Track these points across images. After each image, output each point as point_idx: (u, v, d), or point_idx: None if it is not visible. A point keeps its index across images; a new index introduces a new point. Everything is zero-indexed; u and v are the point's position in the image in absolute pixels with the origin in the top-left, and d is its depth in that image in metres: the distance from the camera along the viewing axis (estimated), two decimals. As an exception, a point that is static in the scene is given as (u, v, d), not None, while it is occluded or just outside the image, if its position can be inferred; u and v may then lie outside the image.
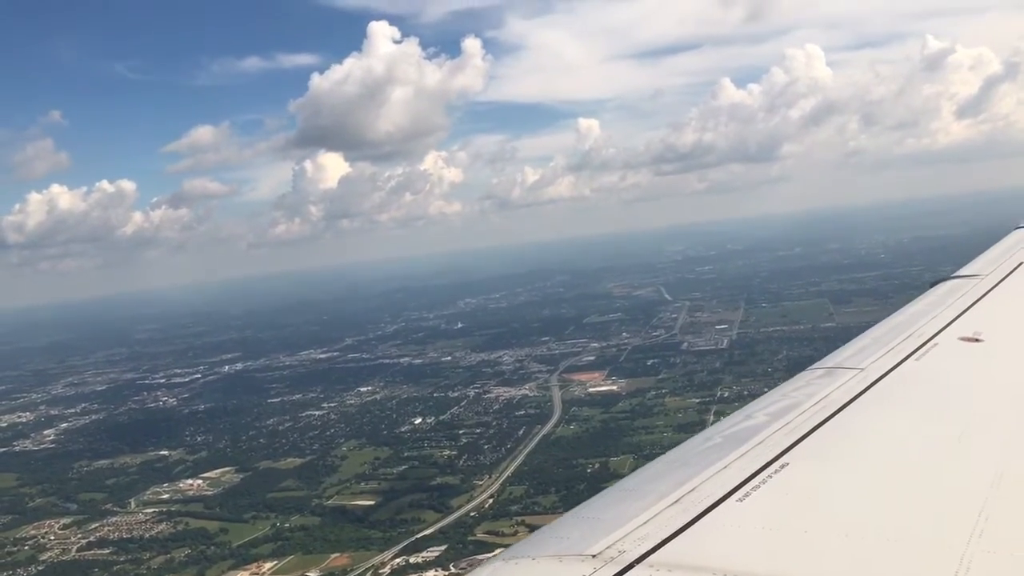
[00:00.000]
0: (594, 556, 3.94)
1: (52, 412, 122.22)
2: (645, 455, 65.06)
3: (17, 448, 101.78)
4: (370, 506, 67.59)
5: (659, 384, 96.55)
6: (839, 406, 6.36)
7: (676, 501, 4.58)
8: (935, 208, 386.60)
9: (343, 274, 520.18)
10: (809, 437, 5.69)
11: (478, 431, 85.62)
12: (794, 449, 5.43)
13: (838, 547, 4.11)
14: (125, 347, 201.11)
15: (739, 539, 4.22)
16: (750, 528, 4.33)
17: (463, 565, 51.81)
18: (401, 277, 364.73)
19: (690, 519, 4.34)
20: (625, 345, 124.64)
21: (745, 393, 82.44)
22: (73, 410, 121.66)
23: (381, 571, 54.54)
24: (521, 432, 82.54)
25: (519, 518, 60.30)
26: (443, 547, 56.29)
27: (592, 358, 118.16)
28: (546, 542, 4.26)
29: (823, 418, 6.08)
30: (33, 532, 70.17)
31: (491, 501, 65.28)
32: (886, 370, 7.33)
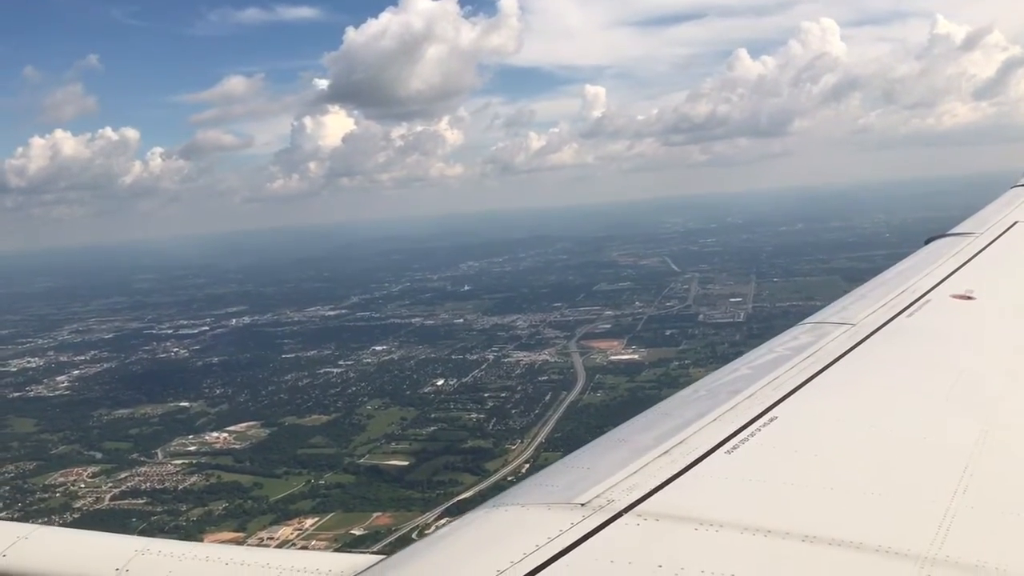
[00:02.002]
0: (583, 504, 4.01)
1: (61, 358, 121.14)
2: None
3: (31, 393, 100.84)
4: (404, 467, 67.28)
5: (681, 355, 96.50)
6: (830, 360, 6.40)
7: (665, 452, 4.65)
8: (936, 189, 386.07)
9: (337, 232, 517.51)
10: (799, 391, 5.74)
11: (503, 395, 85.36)
12: (783, 403, 5.49)
13: (824, 500, 4.21)
14: (125, 296, 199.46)
15: (726, 490, 4.30)
16: (738, 480, 4.42)
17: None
18: (398, 238, 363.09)
19: (679, 470, 4.42)
20: (640, 314, 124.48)
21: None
22: (83, 357, 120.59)
23: (427, 532, 54.41)
24: (547, 398, 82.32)
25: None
26: (486, 510, 56.08)
27: (608, 326, 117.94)
28: (535, 490, 4.36)
29: (813, 372, 6.12)
30: (61, 479, 69.61)
31: (527, 467, 65.14)
32: (878, 326, 7.37)
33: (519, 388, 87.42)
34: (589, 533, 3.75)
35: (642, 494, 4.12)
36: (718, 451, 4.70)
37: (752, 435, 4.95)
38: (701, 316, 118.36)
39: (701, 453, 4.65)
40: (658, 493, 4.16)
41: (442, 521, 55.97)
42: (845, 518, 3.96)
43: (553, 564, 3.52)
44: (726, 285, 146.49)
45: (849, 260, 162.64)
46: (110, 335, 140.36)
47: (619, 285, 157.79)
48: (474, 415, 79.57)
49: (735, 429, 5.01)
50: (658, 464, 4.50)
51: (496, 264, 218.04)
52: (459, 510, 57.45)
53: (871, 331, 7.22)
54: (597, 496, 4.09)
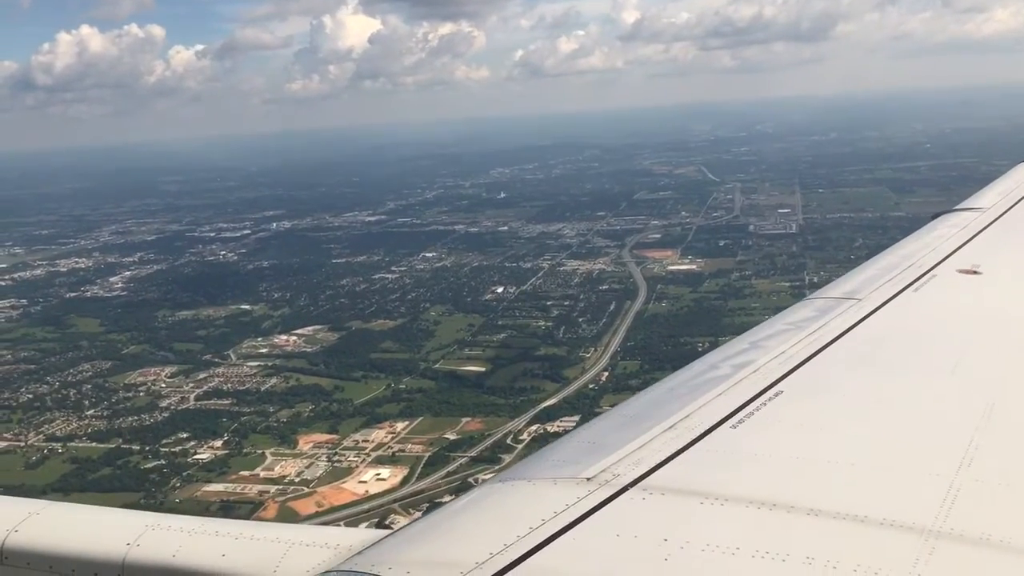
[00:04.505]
0: (588, 479, 4.05)
1: (109, 259, 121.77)
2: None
3: (88, 294, 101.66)
4: (482, 372, 67.77)
5: (740, 265, 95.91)
6: (835, 335, 6.43)
7: (671, 427, 4.68)
8: (971, 98, 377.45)
9: (360, 136, 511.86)
10: (804, 366, 5.77)
11: (567, 304, 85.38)
12: (788, 378, 5.53)
13: (828, 474, 4.23)
14: (156, 198, 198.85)
15: (731, 465, 4.34)
16: (742, 454, 4.46)
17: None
18: (422, 143, 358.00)
19: (684, 444, 4.46)
20: (688, 224, 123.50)
21: (834, 279, 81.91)
22: (131, 259, 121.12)
23: (520, 438, 55.06)
24: (612, 307, 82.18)
25: (640, 392, 60.38)
26: (576, 417, 56.44)
27: (658, 236, 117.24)
28: (542, 465, 4.43)
29: (818, 347, 6.14)
30: (140, 379, 70.49)
31: (606, 374, 65.45)
32: (883, 301, 7.39)
33: (581, 296, 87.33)
34: (595, 507, 3.80)
35: (647, 469, 4.16)
36: (723, 426, 4.73)
37: (757, 410, 4.98)
38: (752, 227, 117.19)
39: (706, 428, 4.68)
40: (663, 468, 4.19)
41: (533, 427, 56.65)
42: (850, 492, 4.00)
43: (559, 538, 3.56)
44: (771, 195, 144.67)
45: (893, 171, 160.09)
46: (152, 237, 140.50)
47: (660, 194, 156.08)
48: (541, 323, 79.71)
49: (740, 404, 5.04)
50: (663, 439, 4.54)
51: (528, 171, 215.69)
52: (548, 416, 58.15)
53: (877, 306, 7.23)
54: (603, 471, 4.13)
